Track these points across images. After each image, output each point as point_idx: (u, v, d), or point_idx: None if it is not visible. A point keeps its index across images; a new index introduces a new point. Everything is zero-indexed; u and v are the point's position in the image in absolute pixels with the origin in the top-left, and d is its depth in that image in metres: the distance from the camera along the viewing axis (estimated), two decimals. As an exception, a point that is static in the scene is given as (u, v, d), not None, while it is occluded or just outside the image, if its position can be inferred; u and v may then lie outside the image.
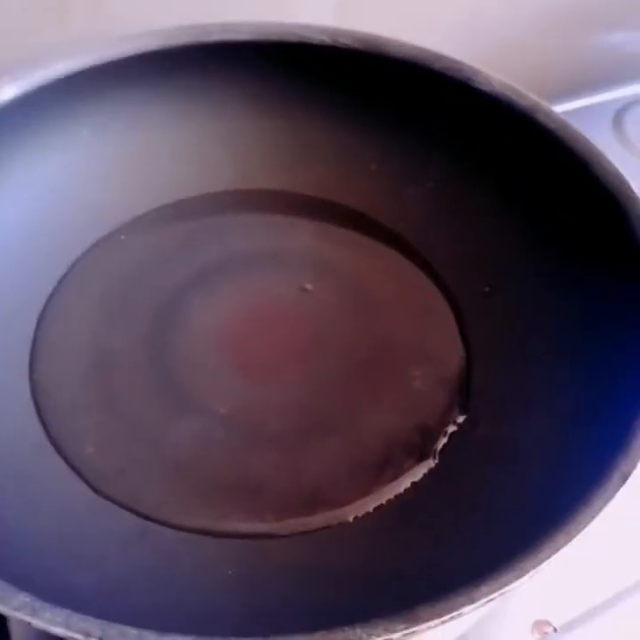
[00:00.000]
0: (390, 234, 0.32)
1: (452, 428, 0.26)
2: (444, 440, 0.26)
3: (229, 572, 0.22)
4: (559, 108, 0.31)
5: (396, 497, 0.24)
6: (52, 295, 0.29)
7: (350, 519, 0.24)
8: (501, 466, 0.25)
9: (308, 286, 0.30)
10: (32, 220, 0.29)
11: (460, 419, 0.26)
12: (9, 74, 0.28)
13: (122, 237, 0.31)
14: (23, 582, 0.19)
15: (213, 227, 0.32)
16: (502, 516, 0.23)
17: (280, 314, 0.29)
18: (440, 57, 0.30)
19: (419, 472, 0.25)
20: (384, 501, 0.24)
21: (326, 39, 0.31)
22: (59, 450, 0.25)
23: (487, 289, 0.30)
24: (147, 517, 0.24)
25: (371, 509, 0.24)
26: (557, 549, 0.20)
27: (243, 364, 0.27)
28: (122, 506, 0.24)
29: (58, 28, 0.32)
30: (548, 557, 0.20)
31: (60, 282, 0.29)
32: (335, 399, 0.27)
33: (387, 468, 0.25)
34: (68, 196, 0.30)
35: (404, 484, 0.25)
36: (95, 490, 0.24)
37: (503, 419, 0.26)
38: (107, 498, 0.24)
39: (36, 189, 0.30)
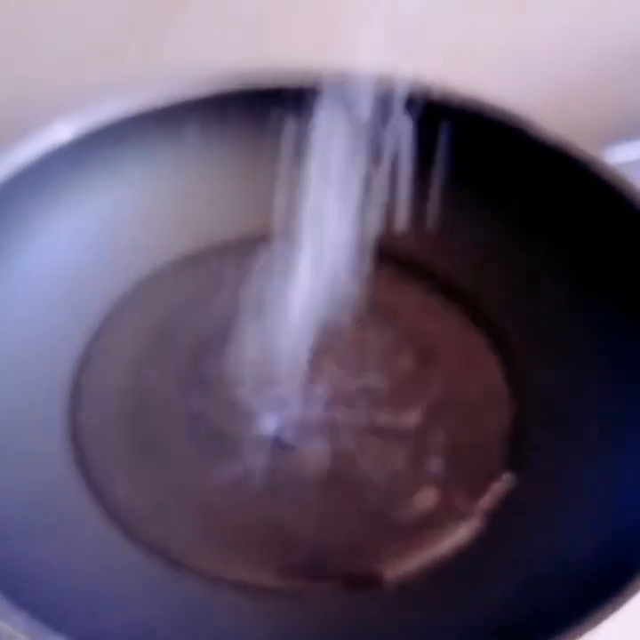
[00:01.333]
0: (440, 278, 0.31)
1: (498, 486, 0.25)
2: (489, 499, 0.25)
3: (260, 631, 0.22)
4: (617, 155, 0.30)
5: (435, 559, 0.23)
6: (94, 335, 0.29)
7: (387, 581, 0.23)
8: (549, 527, 0.24)
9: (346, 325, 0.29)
10: (76, 260, 0.30)
11: (507, 476, 0.25)
12: (64, 115, 0.28)
13: (164, 278, 0.31)
14: (57, 623, 0.19)
15: (254, 268, 0.31)
16: (547, 588, 0.21)
17: (321, 358, 0.28)
18: (495, 107, 0.30)
19: (461, 533, 0.24)
20: (423, 564, 0.23)
21: (370, 86, 0.31)
22: (94, 491, 0.24)
23: (540, 340, 0.29)
24: (177, 563, 0.23)
25: (408, 572, 0.23)
26: (603, 620, 0.19)
27: (280, 415, 0.27)
28: (153, 550, 0.23)
29: (112, 70, 0.32)
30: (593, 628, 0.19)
31: (102, 323, 0.29)
32: (377, 451, 0.26)
33: (427, 528, 0.24)
34: (113, 236, 0.30)
35: (444, 545, 0.24)
36: (127, 533, 0.24)
37: (553, 477, 0.25)
38: (138, 541, 0.23)
39: (81, 229, 0.30)
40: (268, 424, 0.26)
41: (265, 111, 0.31)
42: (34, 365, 0.27)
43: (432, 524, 0.24)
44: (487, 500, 0.25)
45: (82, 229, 0.30)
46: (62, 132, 0.28)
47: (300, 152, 0.32)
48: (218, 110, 0.31)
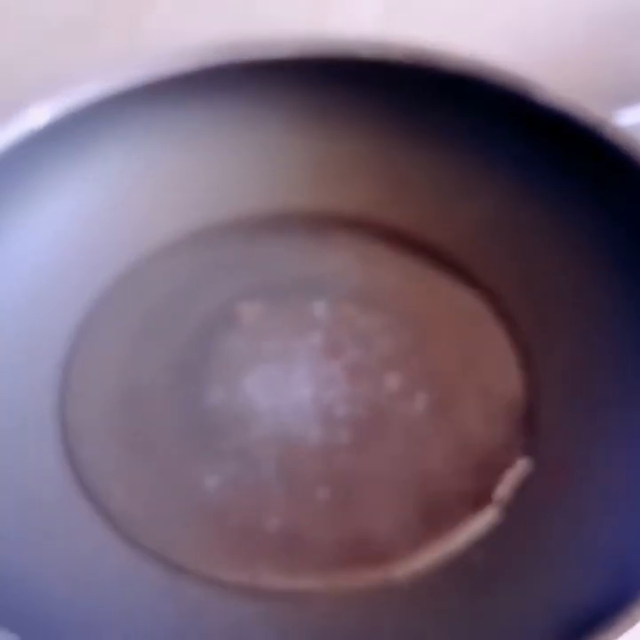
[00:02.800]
0: (442, 256, 0.30)
1: (511, 473, 0.24)
2: (502, 487, 0.23)
3: (265, 635, 0.20)
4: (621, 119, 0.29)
5: (449, 554, 0.22)
6: (80, 329, 0.27)
7: (398, 577, 0.22)
8: (568, 517, 0.22)
9: (350, 311, 0.28)
10: (60, 249, 0.28)
11: (522, 462, 0.24)
12: (39, 98, 0.27)
13: (151, 266, 0.29)
14: (53, 633, 0.19)
15: (247, 253, 0.30)
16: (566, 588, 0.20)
17: (321, 348, 0.27)
18: (497, 70, 0.28)
19: (475, 523, 0.23)
20: (436, 559, 0.22)
21: (374, 53, 0.29)
22: (88, 494, 0.23)
23: (555, 318, 0.27)
24: (177, 567, 0.22)
25: (421, 569, 0.22)
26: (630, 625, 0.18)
27: (281, 402, 0.26)
28: (151, 555, 0.22)
29: (88, 47, 0.31)
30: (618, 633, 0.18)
31: (89, 315, 0.28)
32: (383, 440, 0.25)
33: (439, 519, 0.23)
34: (97, 222, 0.29)
35: (457, 537, 0.23)
36: (124, 537, 0.22)
37: (569, 462, 0.24)
38: (136, 546, 0.22)
39: (65, 217, 0.28)
40: (268, 418, 0.25)
41: (253, 85, 0.30)
42: (19, 365, 0.26)
43: (445, 515, 0.23)
44: (503, 489, 0.23)
45: (66, 217, 0.29)
46: (37, 116, 0.27)
47: (293, 131, 0.31)
48: (201, 85, 0.29)
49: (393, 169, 0.30)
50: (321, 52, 0.29)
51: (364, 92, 0.30)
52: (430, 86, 0.29)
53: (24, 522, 0.23)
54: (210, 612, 0.22)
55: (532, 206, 0.29)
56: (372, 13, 0.32)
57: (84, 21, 0.30)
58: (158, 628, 0.21)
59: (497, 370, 0.26)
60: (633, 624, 0.18)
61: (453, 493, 0.24)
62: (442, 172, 0.30)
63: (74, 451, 0.24)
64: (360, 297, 0.29)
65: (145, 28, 0.31)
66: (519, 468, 0.24)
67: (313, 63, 0.29)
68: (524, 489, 0.23)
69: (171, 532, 0.23)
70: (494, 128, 0.29)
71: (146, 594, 0.22)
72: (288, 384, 0.26)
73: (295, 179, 0.31)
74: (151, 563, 0.22)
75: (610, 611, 0.18)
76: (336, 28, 0.30)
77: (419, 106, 0.30)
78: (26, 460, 0.24)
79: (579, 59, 0.38)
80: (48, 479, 0.23)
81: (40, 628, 0.20)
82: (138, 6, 0.31)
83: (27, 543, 0.22)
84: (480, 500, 0.23)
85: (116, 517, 0.23)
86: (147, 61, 0.28)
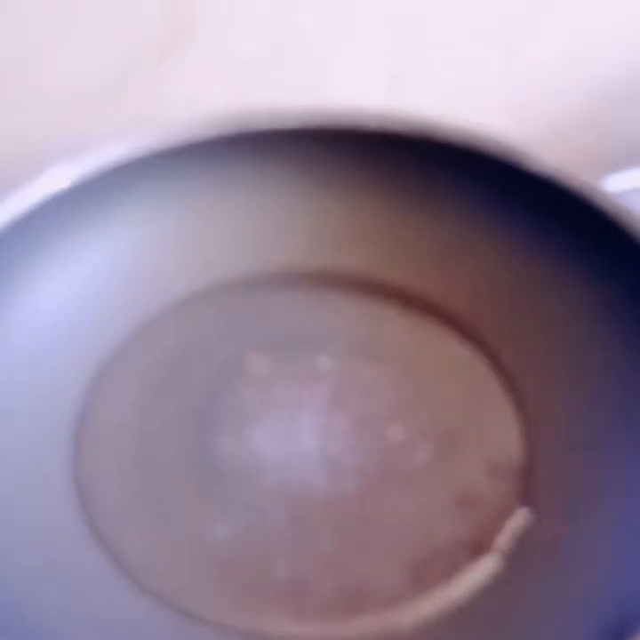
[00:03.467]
0: (447, 316, 0.31)
1: (512, 523, 0.25)
2: (502, 536, 0.24)
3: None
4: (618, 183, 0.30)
5: (453, 602, 0.23)
6: (97, 379, 0.28)
7: (403, 624, 0.22)
8: (568, 564, 0.23)
9: (357, 364, 0.29)
10: (78, 304, 0.30)
11: (522, 512, 0.25)
12: (62, 161, 0.28)
13: (168, 319, 0.31)
14: None
15: (253, 309, 0.31)
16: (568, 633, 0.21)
17: (327, 399, 0.28)
18: (493, 140, 0.30)
19: (477, 571, 0.23)
20: (440, 607, 0.23)
21: (375, 125, 0.31)
22: (101, 541, 0.24)
23: (551, 370, 0.28)
24: (189, 614, 0.23)
25: (425, 616, 0.23)
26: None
27: (288, 452, 0.26)
28: (162, 601, 0.23)
29: (112, 113, 0.32)
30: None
31: (106, 365, 0.29)
32: (386, 489, 0.26)
33: (442, 567, 0.24)
34: (112, 281, 0.30)
35: (460, 585, 0.23)
36: (136, 583, 0.23)
37: (570, 511, 0.24)
38: (147, 592, 0.23)
39: (81, 276, 0.30)
40: (277, 468, 0.26)
41: (268, 153, 0.32)
42: (34, 415, 0.27)
43: (447, 563, 0.24)
44: (503, 538, 0.24)
45: (78, 278, 0.30)
46: (59, 179, 0.28)
47: (299, 195, 0.33)
48: (216, 151, 0.31)
49: (393, 230, 0.32)
50: (326, 122, 0.31)
51: (367, 159, 0.32)
52: (430, 154, 0.31)
53: (37, 567, 0.23)
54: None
55: (528, 265, 0.30)
56: (376, 85, 0.34)
57: (104, 91, 0.32)
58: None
59: (496, 423, 0.27)
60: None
61: (455, 542, 0.24)
62: (441, 233, 0.32)
63: (88, 499, 0.25)
64: (363, 351, 0.30)
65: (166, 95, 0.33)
66: (519, 518, 0.25)
67: (319, 133, 0.31)
68: (524, 538, 0.24)
69: (181, 579, 0.23)
70: (491, 193, 0.31)
71: (156, 639, 0.22)
72: (295, 434, 0.27)
73: (299, 240, 0.33)
74: (162, 609, 0.23)
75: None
76: (341, 97, 0.32)
77: (419, 172, 0.31)
78: (40, 508, 0.25)
79: (575, 128, 0.40)
80: (62, 526, 0.24)
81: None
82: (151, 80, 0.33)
83: (39, 588, 0.23)
84: (481, 548, 0.24)
85: (128, 564, 0.23)
86: (160, 131, 0.30)
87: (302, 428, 0.27)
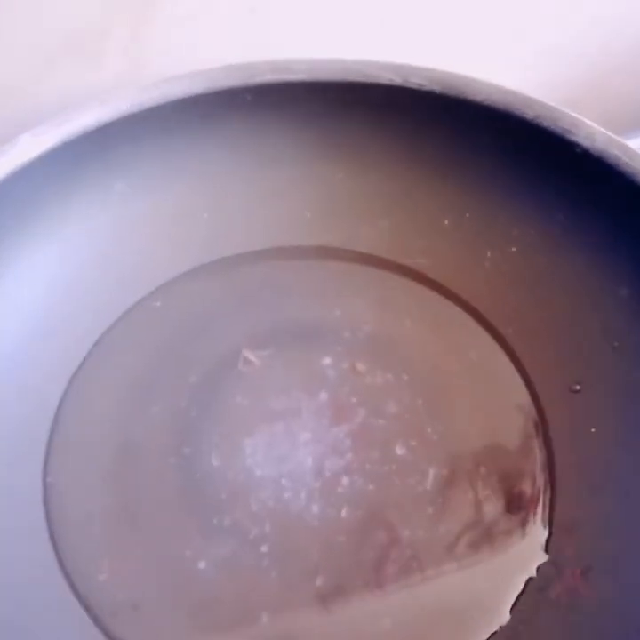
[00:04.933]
0: (462, 305, 0.27)
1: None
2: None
3: None
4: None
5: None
6: (72, 378, 0.25)
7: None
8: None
9: (360, 367, 0.26)
10: (57, 287, 0.26)
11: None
12: (31, 129, 0.25)
13: (155, 304, 0.27)
14: None
15: (255, 292, 0.28)
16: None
17: (328, 409, 0.25)
18: (532, 102, 0.25)
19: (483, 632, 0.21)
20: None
21: (396, 79, 0.26)
22: (67, 575, 0.22)
23: (577, 387, 0.25)
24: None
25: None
26: None
27: (280, 471, 0.24)
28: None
29: (90, 71, 0.28)
30: None
31: (85, 360, 0.26)
32: (387, 521, 0.23)
33: (446, 624, 0.21)
34: (96, 258, 0.27)
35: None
36: (103, 629, 0.21)
37: (590, 563, 0.21)
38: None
39: (60, 253, 0.26)
40: (267, 489, 0.23)
41: (265, 111, 0.27)
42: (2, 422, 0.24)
43: (455, 622, 0.21)
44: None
45: (61, 253, 0.27)
46: (27, 148, 0.25)
47: (308, 163, 0.28)
48: (210, 111, 0.27)
49: (415, 210, 0.28)
50: (339, 76, 0.27)
51: (383, 121, 0.27)
52: (457, 119, 0.26)
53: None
54: None
55: (555, 255, 0.26)
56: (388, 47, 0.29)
57: (84, 42, 0.28)
58: None
59: (516, 444, 0.24)
60: None
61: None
62: (460, 211, 0.27)
63: (55, 519, 0.23)
64: (373, 347, 0.26)
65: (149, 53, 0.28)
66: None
67: (329, 88, 0.27)
68: (533, 593, 0.21)
69: (153, 623, 0.21)
70: (525, 163, 0.26)
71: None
72: (290, 450, 0.24)
73: (311, 214, 0.29)
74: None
75: None
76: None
77: (443, 137, 0.27)
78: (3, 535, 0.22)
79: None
80: (26, 557, 0.22)
81: None
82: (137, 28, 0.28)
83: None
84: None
85: (96, 603, 0.21)
86: (152, 85, 0.26)
87: (298, 443, 0.24)
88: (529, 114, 0.25)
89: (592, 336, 0.25)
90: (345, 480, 0.24)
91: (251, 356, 0.26)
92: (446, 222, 0.28)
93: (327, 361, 0.26)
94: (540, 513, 0.23)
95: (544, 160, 0.26)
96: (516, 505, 0.23)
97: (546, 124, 0.25)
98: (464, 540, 0.22)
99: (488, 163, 0.27)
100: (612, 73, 0.35)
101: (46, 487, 0.23)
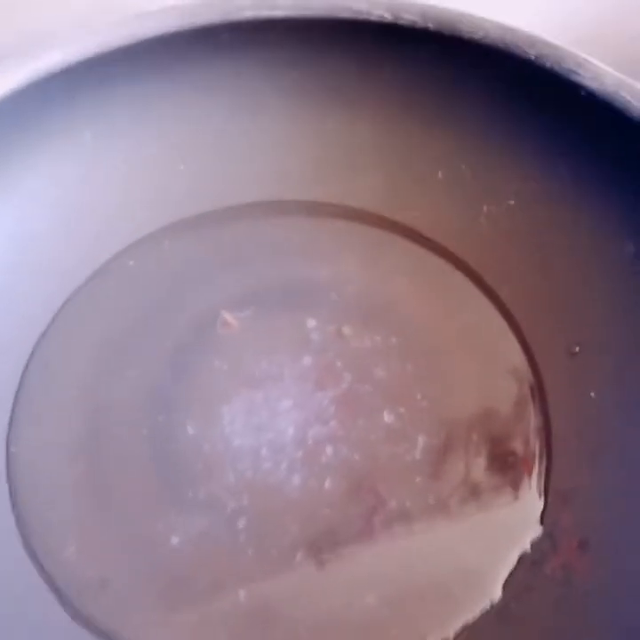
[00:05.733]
0: (456, 263, 0.26)
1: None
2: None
3: None
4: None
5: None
6: (41, 338, 0.24)
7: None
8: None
9: (347, 330, 0.24)
10: (21, 244, 0.25)
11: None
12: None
13: (129, 263, 0.26)
14: None
15: (237, 250, 0.26)
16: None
17: (311, 373, 0.23)
18: (534, 40, 0.23)
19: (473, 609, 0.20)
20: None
21: (387, 15, 0.24)
22: (31, 550, 0.20)
23: (576, 349, 0.23)
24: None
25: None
26: None
27: (260, 440, 0.22)
28: (101, 632, 0.19)
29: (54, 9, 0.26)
30: None
31: (52, 322, 0.24)
32: (371, 497, 0.21)
33: (434, 599, 0.20)
34: (63, 213, 0.25)
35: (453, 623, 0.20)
36: (71, 608, 0.20)
37: (587, 534, 0.20)
38: (84, 620, 0.20)
39: (24, 207, 0.25)
40: (245, 460, 0.22)
41: (246, 50, 0.25)
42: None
43: (444, 596, 0.20)
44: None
45: (25, 208, 0.25)
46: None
47: (288, 102, 0.26)
48: (188, 50, 0.25)
49: (408, 162, 0.26)
50: (322, 11, 0.24)
51: (374, 65, 0.25)
52: (453, 59, 0.24)
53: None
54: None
55: (556, 209, 0.24)
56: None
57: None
58: None
59: (511, 409, 0.23)
60: None
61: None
62: (458, 164, 0.25)
63: (19, 491, 0.21)
64: (361, 309, 0.25)
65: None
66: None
67: (314, 26, 0.24)
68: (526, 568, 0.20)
69: (123, 602, 0.20)
70: (526, 113, 0.24)
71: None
72: (270, 418, 0.23)
73: (297, 165, 0.27)
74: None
75: None
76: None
77: (437, 83, 0.25)
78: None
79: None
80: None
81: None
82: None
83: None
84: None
85: (63, 581, 0.20)
86: (123, 22, 0.24)
87: (279, 410, 0.23)
88: (531, 53, 0.23)
89: (594, 295, 0.24)
90: (329, 449, 0.22)
91: (230, 317, 0.25)
92: (440, 174, 0.26)
93: (312, 323, 0.24)
94: (534, 480, 0.21)
95: (546, 105, 0.24)
96: (506, 463, 0.21)
97: (549, 64, 0.23)
98: (454, 498, 0.21)
99: (486, 109, 0.25)
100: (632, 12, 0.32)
101: (10, 457, 0.22)
